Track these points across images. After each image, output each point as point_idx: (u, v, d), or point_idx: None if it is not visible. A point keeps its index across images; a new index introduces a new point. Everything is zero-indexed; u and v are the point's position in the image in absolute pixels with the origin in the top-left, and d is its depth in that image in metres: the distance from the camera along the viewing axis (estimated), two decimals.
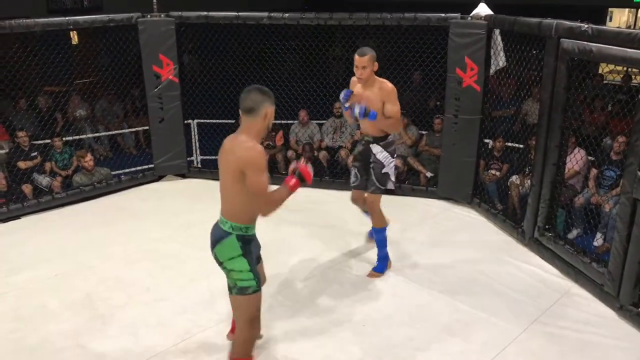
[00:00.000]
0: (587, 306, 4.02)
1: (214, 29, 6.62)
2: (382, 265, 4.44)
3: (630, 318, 3.79)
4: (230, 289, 2.81)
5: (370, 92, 3.97)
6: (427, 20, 5.60)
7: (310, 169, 2.89)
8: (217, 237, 2.80)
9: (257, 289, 2.77)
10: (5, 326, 3.81)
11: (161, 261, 4.69)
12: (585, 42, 4.01)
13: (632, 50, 3.61)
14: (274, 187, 2.79)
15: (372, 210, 4.29)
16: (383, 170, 4.15)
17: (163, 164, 6.62)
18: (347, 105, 4.02)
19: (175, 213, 5.72)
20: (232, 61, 7.12)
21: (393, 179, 4.22)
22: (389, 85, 3.98)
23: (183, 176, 6.76)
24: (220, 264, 2.83)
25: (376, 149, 4.15)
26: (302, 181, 2.83)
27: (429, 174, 6.33)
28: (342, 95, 4.03)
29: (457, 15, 5.47)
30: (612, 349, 3.54)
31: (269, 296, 4.12)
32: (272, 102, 2.75)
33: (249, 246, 2.79)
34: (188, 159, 6.80)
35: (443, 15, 5.50)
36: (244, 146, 2.66)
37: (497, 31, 5.28)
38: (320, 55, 6.74)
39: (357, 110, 3.90)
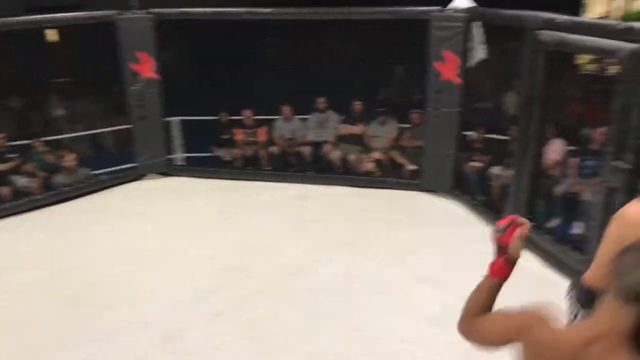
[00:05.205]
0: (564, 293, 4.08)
1: (197, 24, 6.57)
2: None
3: None
4: None
5: None
6: (408, 13, 5.62)
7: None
8: None
9: None
10: None
11: (146, 260, 4.67)
12: (563, 34, 4.06)
13: (607, 41, 3.68)
14: None
15: None
16: None
17: (144, 163, 6.57)
18: None
19: (159, 211, 5.69)
20: (215, 57, 7.08)
21: None
22: None
23: (165, 174, 6.71)
24: None
25: None
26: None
27: (412, 167, 6.36)
28: None
29: (437, 8, 5.50)
30: None
31: (257, 289, 4.14)
32: None
33: None
34: (170, 156, 6.76)
35: (423, 8, 5.53)
36: None
37: (476, 24, 5.32)
38: (304, 50, 6.74)
39: None
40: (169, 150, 6.78)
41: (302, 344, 3.57)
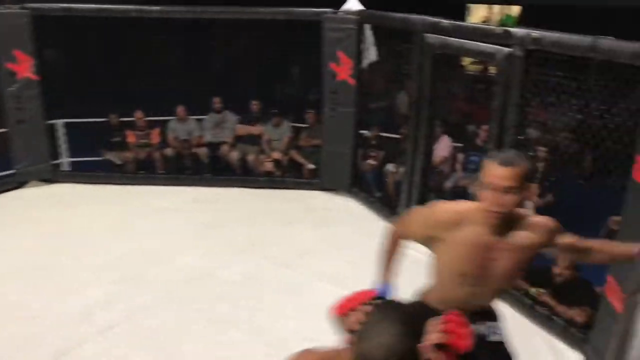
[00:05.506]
0: None
1: (84, 21, 6.18)
2: None
3: None
4: None
5: (519, 237, 2.10)
6: (301, 14, 5.67)
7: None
8: None
9: None
10: None
11: (30, 274, 4.32)
12: (447, 37, 4.30)
13: (486, 44, 3.94)
14: None
15: None
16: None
17: (25, 169, 6.07)
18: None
19: (44, 221, 5.29)
20: (104, 56, 6.73)
21: None
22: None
23: (50, 181, 6.26)
24: None
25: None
26: None
27: (311, 166, 6.44)
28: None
29: (330, 10, 5.60)
30: None
31: (154, 297, 3.99)
32: None
33: None
34: (54, 162, 6.32)
35: (316, 10, 5.60)
36: None
37: (367, 26, 5.48)
38: (198, 49, 6.59)
39: None
40: (54, 155, 6.34)
41: (205, 351, 3.49)
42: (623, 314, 2.96)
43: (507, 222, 2.04)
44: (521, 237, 2.08)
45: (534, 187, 2.04)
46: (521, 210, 2.10)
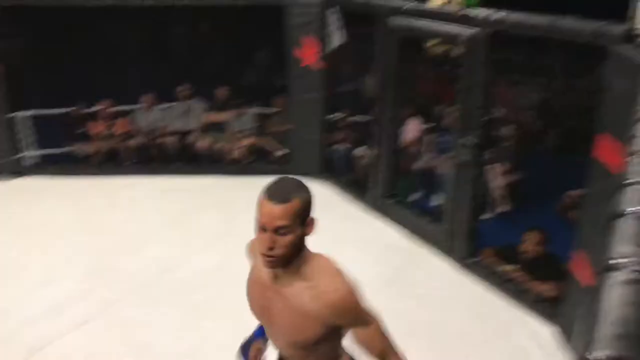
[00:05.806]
0: (428, 262, 4.40)
1: (45, 10, 5.99)
2: None
3: (464, 268, 4.23)
4: None
5: (296, 294, 1.76)
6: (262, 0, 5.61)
7: None
8: None
9: None
10: None
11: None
12: (411, 19, 4.31)
13: (450, 26, 3.97)
14: None
15: None
16: None
17: None
18: None
19: (10, 216, 5.18)
20: (67, 46, 6.55)
21: None
22: (338, 287, 1.78)
23: (14, 175, 6.10)
24: None
25: None
26: None
27: (281, 152, 6.41)
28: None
29: None
30: (451, 299, 3.94)
31: (126, 289, 3.96)
32: None
33: None
34: (18, 155, 6.16)
35: None
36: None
37: (332, 10, 5.45)
38: (162, 36, 6.48)
39: None
40: (17, 149, 6.17)
41: (180, 343, 3.48)
42: (593, 292, 3.05)
43: (286, 266, 1.69)
44: (297, 296, 1.70)
45: (314, 222, 1.71)
46: (312, 258, 1.77)
